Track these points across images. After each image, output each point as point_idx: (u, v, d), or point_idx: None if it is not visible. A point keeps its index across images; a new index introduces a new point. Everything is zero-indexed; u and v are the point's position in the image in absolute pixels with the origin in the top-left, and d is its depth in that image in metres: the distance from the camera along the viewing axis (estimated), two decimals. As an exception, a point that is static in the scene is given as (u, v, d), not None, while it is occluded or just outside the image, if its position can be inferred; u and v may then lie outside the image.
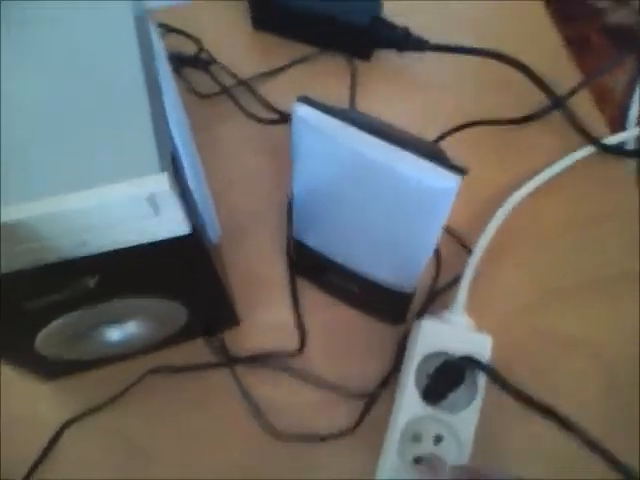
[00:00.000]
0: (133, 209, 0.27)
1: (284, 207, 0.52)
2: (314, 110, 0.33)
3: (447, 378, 0.43)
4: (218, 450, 0.45)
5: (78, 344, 0.41)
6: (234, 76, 0.57)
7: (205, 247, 0.34)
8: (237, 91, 0.57)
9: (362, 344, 0.48)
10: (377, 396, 0.46)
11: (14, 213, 0.25)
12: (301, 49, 0.60)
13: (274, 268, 0.50)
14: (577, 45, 0.61)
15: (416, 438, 0.42)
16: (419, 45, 0.57)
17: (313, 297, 0.50)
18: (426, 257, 0.39)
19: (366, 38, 0.57)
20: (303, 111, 0.33)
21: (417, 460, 0.42)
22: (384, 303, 0.46)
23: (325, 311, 0.49)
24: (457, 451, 0.42)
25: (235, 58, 0.59)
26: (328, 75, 0.59)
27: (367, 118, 0.36)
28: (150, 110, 0.28)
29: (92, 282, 0.33)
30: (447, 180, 0.32)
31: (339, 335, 0.48)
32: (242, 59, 0.59)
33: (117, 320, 0.41)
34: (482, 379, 0.43)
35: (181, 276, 0.36)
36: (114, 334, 0.42)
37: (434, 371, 0.43)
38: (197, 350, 0.47)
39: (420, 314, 0.48)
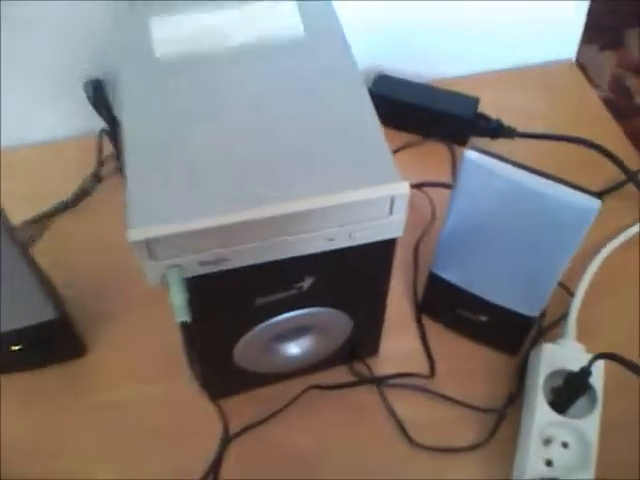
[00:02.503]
0: (376, 209, 0.37)
1: (407, 254, 0.62)
2: (482, 155, 0.44)
3: (571, 389, 0.50)
4: (367, 459, 0.52)
5: (265, 357, 0.49)
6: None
7: (393, 252, 0.43)
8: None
9: (484, 371, 0.56)
10: (506, 411, 0.53)
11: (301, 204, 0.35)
12: (404, 137, 0.72)
13: (401, 307, 0.60)
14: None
15: (547, 442, 0.49)
16: (509, 133, 0.69)
17: (437, 333, 0.58)
18: (556, 280, 0.48)
19: (465, 128, 0.70)
20: (474, 155, 0.44)
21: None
22: (507, 332, 0.54)
23: (449, 344, 0.58)
24: (583, 452, 0.49)
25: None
26: (430, 158, 0.71)
27: (522, 165, 0.46)
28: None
29: (307, 284, 0.43)
30: (590, 201, 0.42)
31: (463, 363, 0.57)
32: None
33: (297, 335, 0.49)
34: (600, 387, 0.50)
35: (369, 285, 0.46)
36: (293, 349, 0.50)
37: (563, 383, 0.50)
38: (343, 375, 0.56)
39: (532, 346, 0.56)
